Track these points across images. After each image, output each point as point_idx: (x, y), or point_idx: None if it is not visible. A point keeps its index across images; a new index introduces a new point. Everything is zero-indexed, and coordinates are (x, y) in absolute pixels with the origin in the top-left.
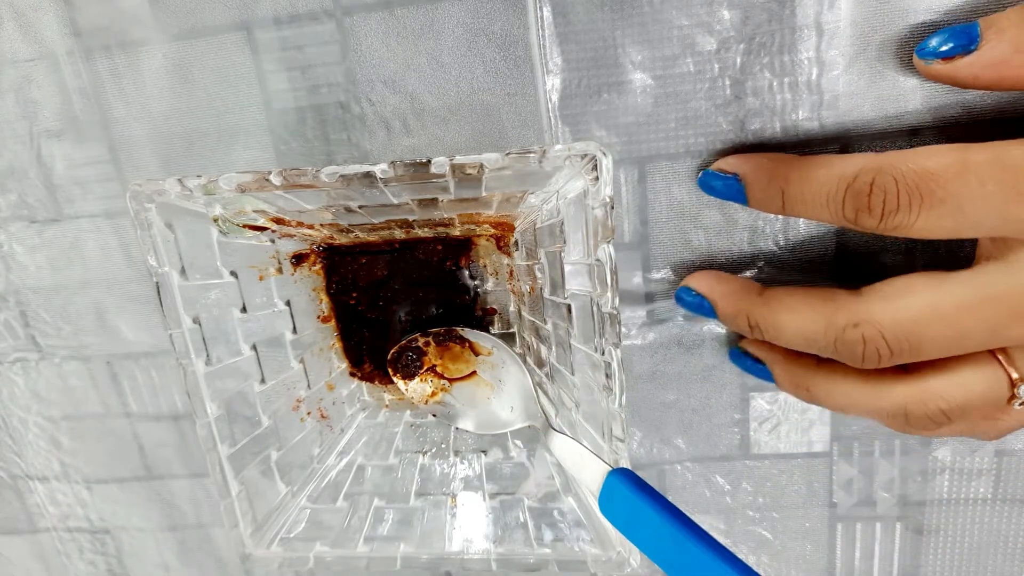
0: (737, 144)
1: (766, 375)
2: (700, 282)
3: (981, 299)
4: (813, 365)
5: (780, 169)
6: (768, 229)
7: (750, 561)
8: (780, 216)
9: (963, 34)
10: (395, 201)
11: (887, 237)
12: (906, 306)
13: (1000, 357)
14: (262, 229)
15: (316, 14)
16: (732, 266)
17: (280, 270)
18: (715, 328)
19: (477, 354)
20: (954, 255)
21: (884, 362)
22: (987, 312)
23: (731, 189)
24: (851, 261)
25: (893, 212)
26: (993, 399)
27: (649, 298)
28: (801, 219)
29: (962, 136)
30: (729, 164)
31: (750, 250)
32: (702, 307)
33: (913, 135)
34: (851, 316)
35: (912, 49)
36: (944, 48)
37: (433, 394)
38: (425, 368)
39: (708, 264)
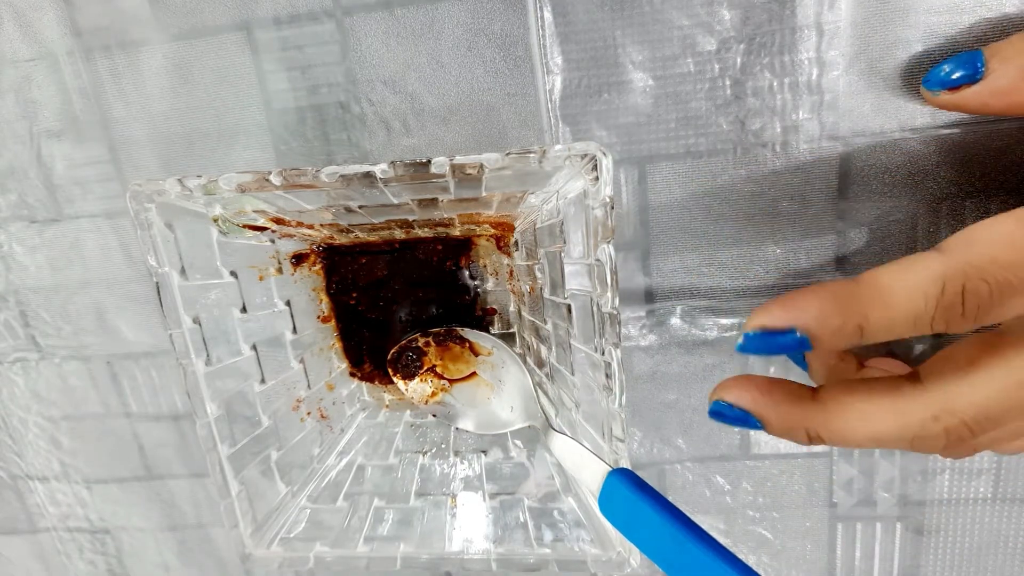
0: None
1: (755, 424)
2: (740, 396)
3: None
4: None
5: (850, 306)
6: (766, 228)
7: (750, 561)
8: (779, 213)
9: (968, 64)
10: (395, 201)
11: (889, 242)
12: (981, 386)
13: None
14: (262, 229)
15: (316, 14)
16: (732, 264)
17: (280, 270)
18: (714, 330)
19: (477, 354)
20: None
21: (965, 443)
22: None
23: (792, 344)
24: (851, 261)
25: (987, 311)
26: None
27: (649, 298)
28: (801, 213)
29: (961, 135)
30: (778, 319)
31: (750, 249)
32: (747, 421)
33: (912, 133)
34: (925, 410)
35: (910, 47)
36: (950, 79)
37: (433, 394)
38: (425, 368)
39: (708, 264)
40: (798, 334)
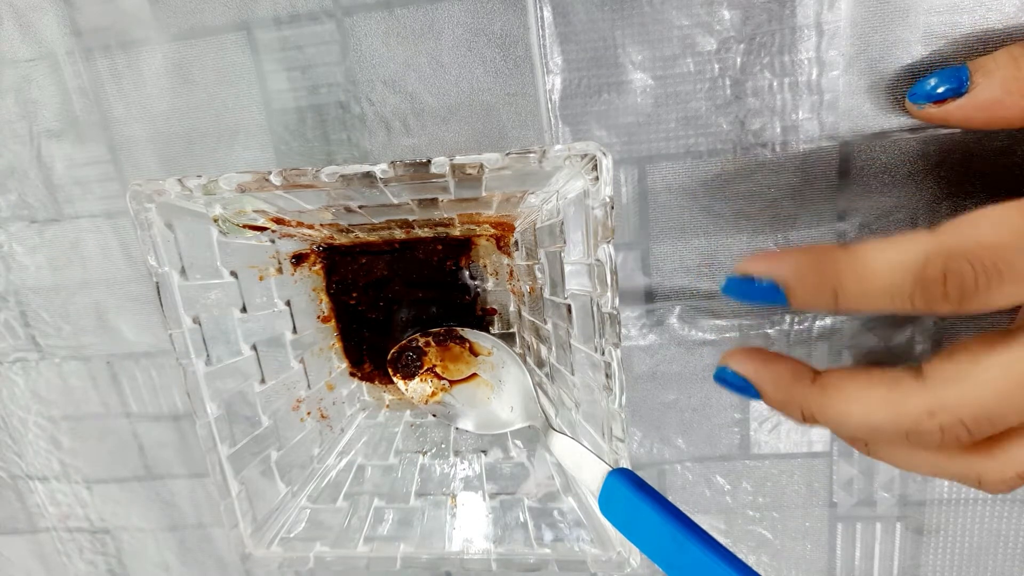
0: (738, 153)
1: (755, 394)
2: (744, 365)
3: None
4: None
5: (827, 267)
6: (767, 227)
7: (750, 561)
8: (780, 212)
9: (953, 78)
10: (395, 201)
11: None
12: (981, 384)
13: None
14: (262, 229)
15: (316, 14)
16: (732, 264)
17: (280, 270)
18: (714, 330)
19: (477, 354)
20: None
21: (962, 444)
22: None
23: (769, 295)
24: None
25: (971, 295)
26: None
27: (649, 298)
28: (801, 212)
29: (961, 135)
30: (761, 268)
31: (750, 250)
32: (747, 390)
33: (912, 134)
34: (922, 405)
35: (910, 47)
36: (936, 92)
37: (433, 394)
38: (425, 368)
39: (708, 264)
40: (776, 286)
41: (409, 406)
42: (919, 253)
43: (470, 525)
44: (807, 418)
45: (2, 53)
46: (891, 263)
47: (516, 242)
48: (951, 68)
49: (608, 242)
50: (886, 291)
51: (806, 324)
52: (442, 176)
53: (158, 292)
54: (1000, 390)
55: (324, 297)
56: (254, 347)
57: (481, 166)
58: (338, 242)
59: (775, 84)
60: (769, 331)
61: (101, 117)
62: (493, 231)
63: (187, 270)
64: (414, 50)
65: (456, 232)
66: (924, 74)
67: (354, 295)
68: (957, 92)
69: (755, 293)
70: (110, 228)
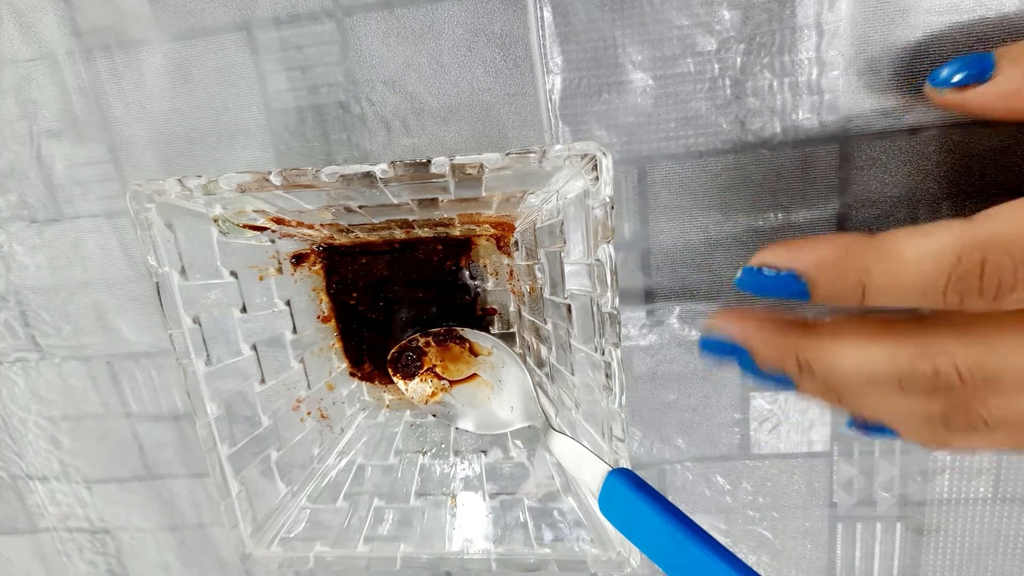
0: (736, 143)
1: (744, 357)
2: (730, 325)
3: None
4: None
5: (854, 260)
6: (767, 227)
7: (750, 561)
8: (780, 212)
9: (976, 63)
10: (395, 201)
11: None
12: (982, 339)
13: None
14: (262, 229)
15: (316, 14)
16: (732, 264)
17: (280, 270)
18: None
19: (477, 354)
20: None
21: (954, 394)
22: None
23: (789, 287)
24: None
25: (1009, 290)
26: None
27: (649, 298)
28: (801, 212)
29: (961, 135)
30: (781, 258)
31: (750, 250)
32: (736, 353)
33: (912, 134)
34: (917, 347)
35: (910, 47)
36: (957, 77)
37: (433, 394)
38: (425, 368)
39: (708, 263)
40: (796, 277)
41: (409, 406)
42: (954, 244)
43: (470, 525)
44: (803, 368)
45: (2, 53)
46: (923, 254)
47: (516, 242)
48: (976, 54)
49: (608, 242)
50: (918, 284)
51: None
52: (442, 176)
53: (158, 292)
54: (1002, 347)
55: (324, 297)
56: (254, 347)
57: (481, 166)
58: (338, 242)
59: (775, 84)
60: None
61: (101, 117)
62: (493, 231)
63: (187, 270)
64: (414, 50)
65: (456, 232)
66: (925, 74)
67: (354, 295)
68: (979, 79)
69: (774, 286)
70: (110, 228)
